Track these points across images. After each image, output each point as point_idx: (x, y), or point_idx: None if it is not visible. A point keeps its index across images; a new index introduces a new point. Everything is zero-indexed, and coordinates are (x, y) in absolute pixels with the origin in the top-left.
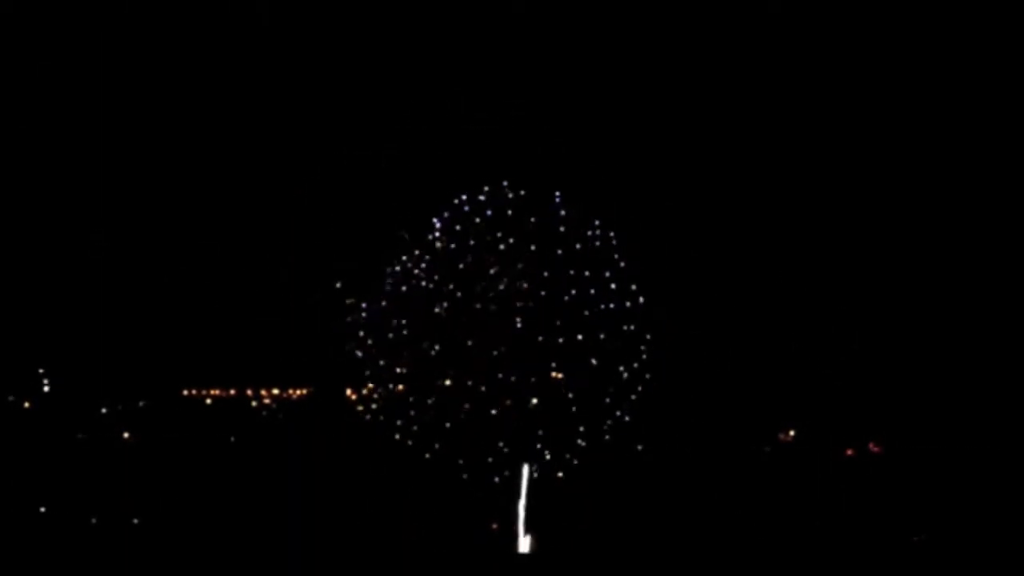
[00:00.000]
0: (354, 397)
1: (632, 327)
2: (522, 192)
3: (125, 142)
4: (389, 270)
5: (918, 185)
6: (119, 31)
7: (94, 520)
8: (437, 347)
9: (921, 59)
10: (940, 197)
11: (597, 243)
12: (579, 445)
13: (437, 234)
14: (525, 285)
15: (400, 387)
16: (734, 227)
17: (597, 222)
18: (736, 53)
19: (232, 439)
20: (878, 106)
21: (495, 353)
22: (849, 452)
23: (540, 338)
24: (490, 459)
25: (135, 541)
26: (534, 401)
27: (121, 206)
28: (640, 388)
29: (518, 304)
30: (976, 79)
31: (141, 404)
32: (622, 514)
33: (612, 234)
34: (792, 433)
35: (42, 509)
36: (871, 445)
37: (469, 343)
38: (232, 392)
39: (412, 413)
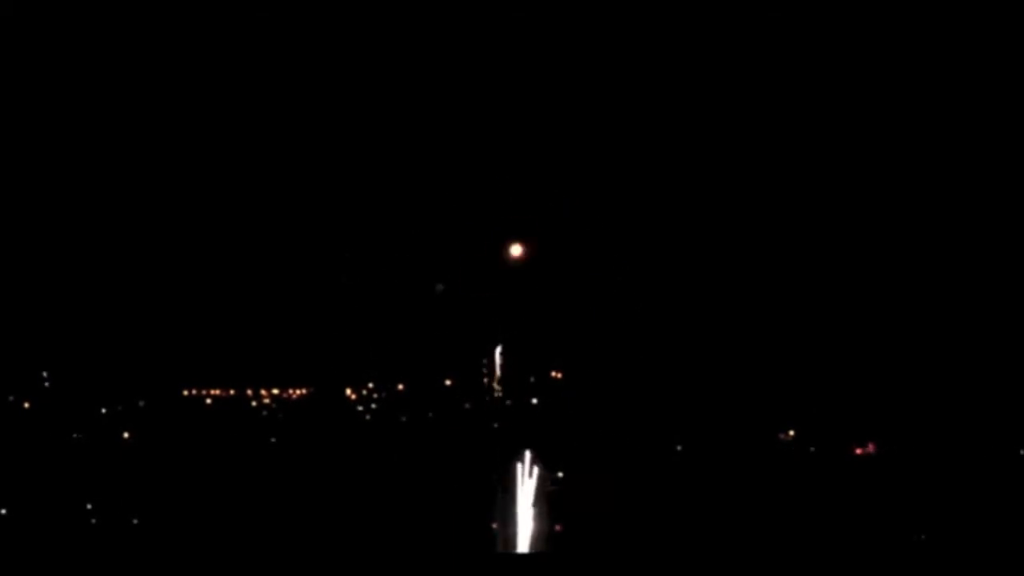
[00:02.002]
0: (354, 397)
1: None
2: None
3: (125, 142)
4: None
5: (918, 185)
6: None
7: (94, 520)
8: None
9: (922, 59)
10: (940, 197)
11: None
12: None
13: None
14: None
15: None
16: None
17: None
18: (737, 54)
19: (232, 439)
20: (879, 106)
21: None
22: (858, 451)
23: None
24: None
25: (135, 541)
26: (534, 400)
27: (121, 206)
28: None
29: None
30: (976, 79)
31: (141, 404)
32: (622, 511)
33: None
34: (792, 433)
35: (42, 509)
36: (871, 445)
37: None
38: (232, 392)
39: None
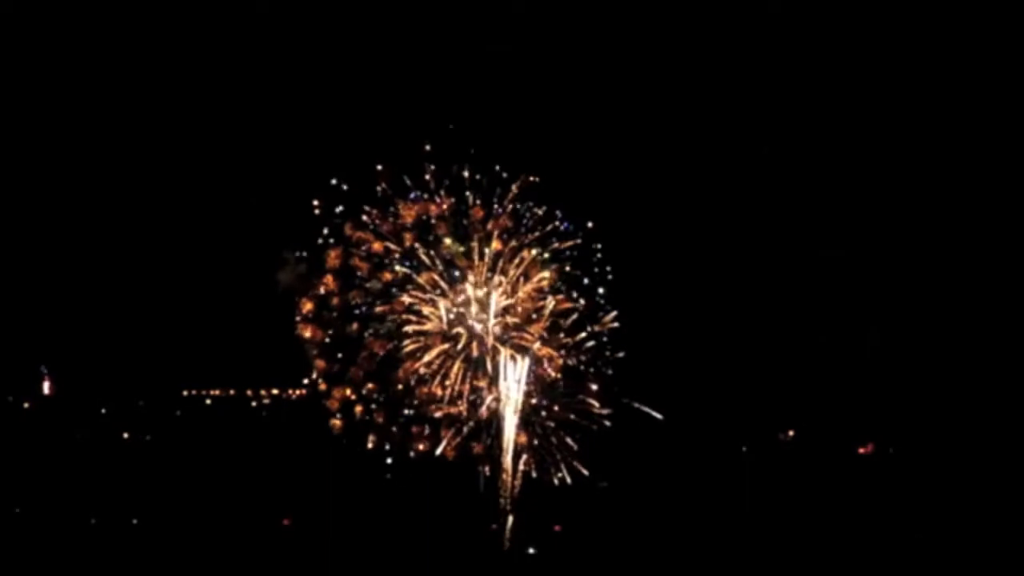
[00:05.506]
0: (353, 397)
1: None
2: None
3: (125, 147)
4: None
5: (918, 186)
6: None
7: (94, 520)
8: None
9: (920, 59)
10: (940, 198)
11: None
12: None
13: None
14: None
15: (400, 387)
16: (738, 229)
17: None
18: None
19: (232, 439)
20: (879, 108)
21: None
22: (862, 451)
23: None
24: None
25: (135, 541)
26: (533, 401)
27: (121, 209)
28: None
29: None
30: (976, 80)
31: (141, 404)
32: (623, 513)
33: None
34: (792, 433)
35: (42, 509)
36: (870, 445)
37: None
38: (232, 392)
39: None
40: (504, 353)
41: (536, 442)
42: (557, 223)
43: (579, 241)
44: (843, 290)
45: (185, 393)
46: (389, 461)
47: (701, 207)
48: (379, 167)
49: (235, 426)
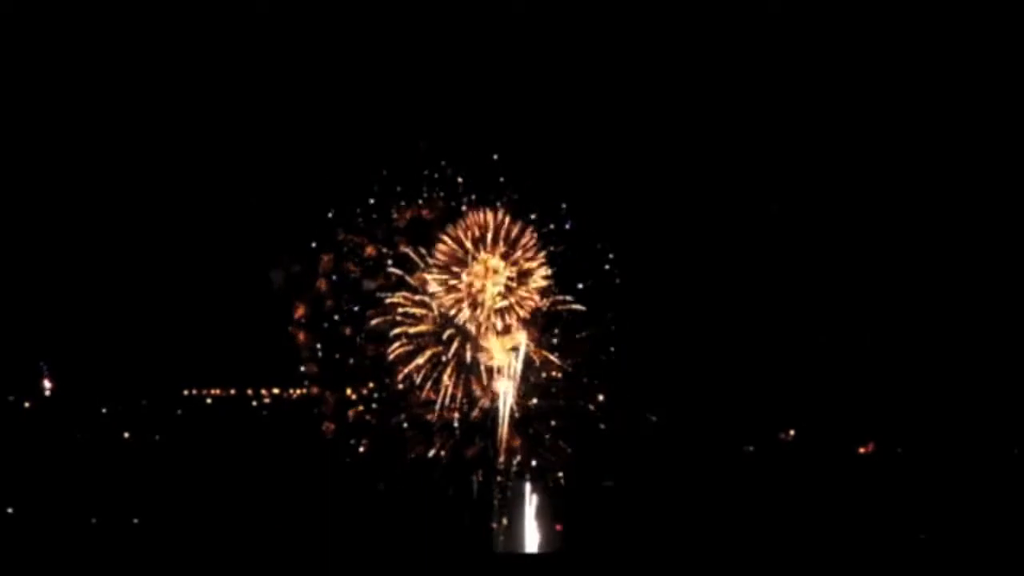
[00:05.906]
0: (354, 397)
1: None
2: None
3: (125, 147)
4: None
5: (917, 187)
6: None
7: (94, 520)
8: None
9: (917, 59)
10: (940, 199)
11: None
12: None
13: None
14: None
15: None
16: (738, 230)
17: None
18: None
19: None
20: (879, 109)
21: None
22: (862, 450)
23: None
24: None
25: (135, 541)
26: (533, 402)
27: (122, 209)
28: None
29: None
30: (976, 80)
31: (144, 403)
32: (626, 515)
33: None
34: (792, 433)
35: (43, 508)
36: (871, 445)
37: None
38: (232, 392)
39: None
40: (498, 354)
41: (531, 444)
42: (555, 224)
43: (577, 241)
44: (842, 290)
45: (185, 393)
46: (383, 465)
47: (701, 206)
48: (373, 169)
49: (235, 426)
